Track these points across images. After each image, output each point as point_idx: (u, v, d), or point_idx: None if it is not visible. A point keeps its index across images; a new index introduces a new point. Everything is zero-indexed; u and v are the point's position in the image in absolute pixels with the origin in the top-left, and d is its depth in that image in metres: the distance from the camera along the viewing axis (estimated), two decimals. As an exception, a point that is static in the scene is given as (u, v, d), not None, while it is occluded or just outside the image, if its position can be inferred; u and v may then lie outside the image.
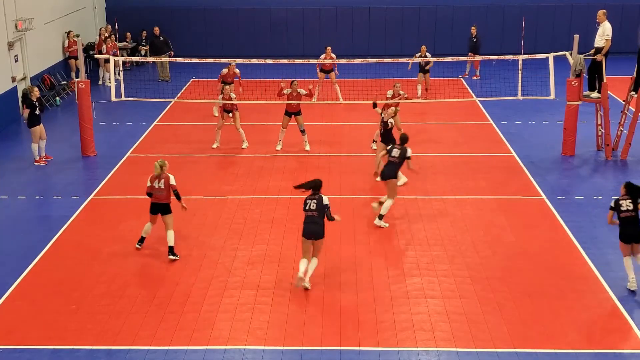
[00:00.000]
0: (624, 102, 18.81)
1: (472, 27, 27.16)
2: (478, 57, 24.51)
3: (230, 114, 18.91)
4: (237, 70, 21.39)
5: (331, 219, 12.07)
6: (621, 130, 18.49)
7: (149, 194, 13.16)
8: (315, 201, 12.03)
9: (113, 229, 14.43)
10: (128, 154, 19.06)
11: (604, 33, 17.93)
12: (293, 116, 18.73)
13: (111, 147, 19.51)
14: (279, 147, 18.92)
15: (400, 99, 18.80)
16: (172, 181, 13.03)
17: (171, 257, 13.00)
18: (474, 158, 18.30)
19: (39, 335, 10.75)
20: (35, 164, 18.16)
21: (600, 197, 15.67)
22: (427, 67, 23.91)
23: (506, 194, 15.94)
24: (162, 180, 13.00)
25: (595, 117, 18.82)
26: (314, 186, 12.23)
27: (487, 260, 12.96)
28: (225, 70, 21.33)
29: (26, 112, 18.21)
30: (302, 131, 18.81)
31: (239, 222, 14.67)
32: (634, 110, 17.91)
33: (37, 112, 18.19)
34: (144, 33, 29.80)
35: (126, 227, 14.48)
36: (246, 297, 11.76)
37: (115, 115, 21.87)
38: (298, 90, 18.52)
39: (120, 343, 10.53)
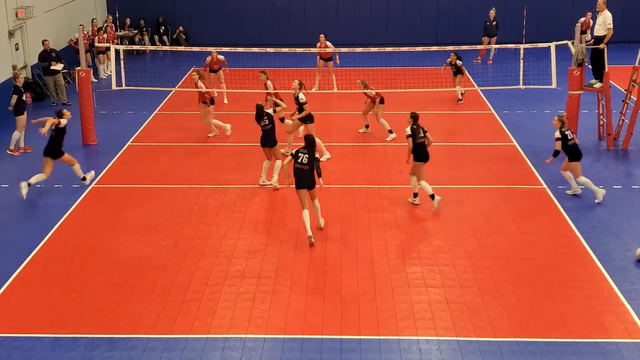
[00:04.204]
0: (625, 92, 18.76)
1: (491, 10, 27.04)
2: (492, 45, 24.11)
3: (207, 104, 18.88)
4: (221, 57, 21.43)
5: (319, 173, 12.99)
6: (623, 120, 18.45)
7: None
8: (307, 155, 13.08)
9: (114, 218, 14.44)
10: (129, 142, 19.05)
11: (605, 22, 17.91)
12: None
13: (112, 136, 19.50)
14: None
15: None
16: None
17: None
18: (475, 147, 18.28)
19: (40, 324, 10.78)
20: (8, 152, 18.15)
21: (601, 186, 15.63)
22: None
23: (507, 183, 15.92)
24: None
25: (597, 107, 18.78)
26: (307, 141, 13.25)
27: (487, 250, 12.97)
28: (209, 58, 21.43)
29: (14, 98, 17.94)
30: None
31: (240, 211, 14.67)
32: (635, 99, 17.88)
33: (24, 97, 18.05)
34: (142, 22, 29.80)
35: (127, 216, 14.50)
36: (247, 285, 11.78)
37: (116, 104, 21.84)
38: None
39: (122, 331, 10.55)
